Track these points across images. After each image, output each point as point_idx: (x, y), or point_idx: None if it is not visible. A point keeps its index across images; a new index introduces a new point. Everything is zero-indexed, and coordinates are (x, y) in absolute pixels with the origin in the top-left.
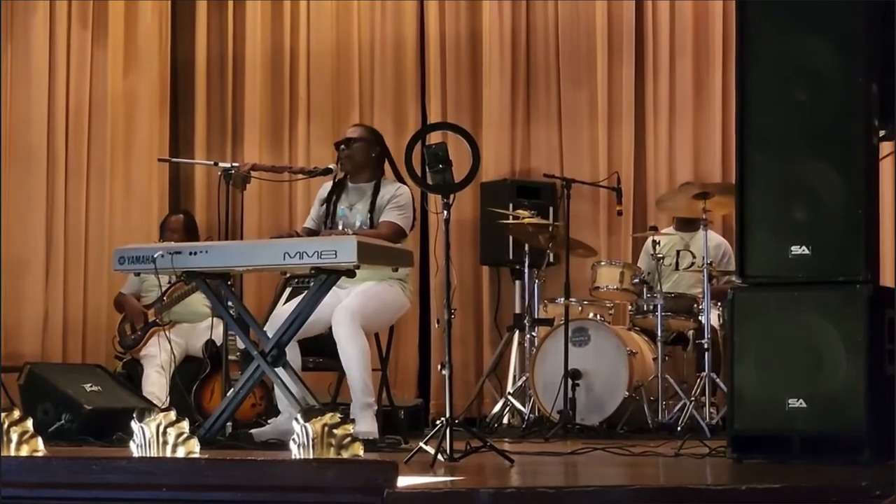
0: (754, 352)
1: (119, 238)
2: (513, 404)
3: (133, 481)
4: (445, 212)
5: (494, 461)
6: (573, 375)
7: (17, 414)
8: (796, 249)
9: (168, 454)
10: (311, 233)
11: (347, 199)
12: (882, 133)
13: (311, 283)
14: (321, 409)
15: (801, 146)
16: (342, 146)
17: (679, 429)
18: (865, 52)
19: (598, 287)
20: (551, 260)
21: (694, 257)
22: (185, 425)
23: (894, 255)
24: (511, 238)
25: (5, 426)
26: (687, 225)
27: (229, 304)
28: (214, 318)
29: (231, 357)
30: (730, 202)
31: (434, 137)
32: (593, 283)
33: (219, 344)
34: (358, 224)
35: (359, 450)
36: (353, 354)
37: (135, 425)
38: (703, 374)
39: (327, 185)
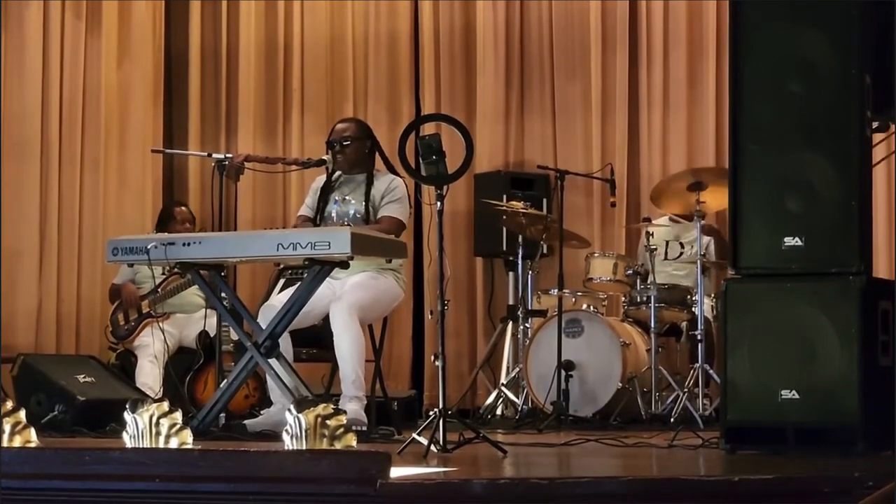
0: (748, 343)
1: (112, 229)
2: (506, 395)
3: (126, 472)
4: (439, 203)
5: (488, 452)
6: (566, 367)
7: (10, 405)
8: (790, 241)
9: (161, 445)
10: (310, 221)
11: (341, 192)
12: (875, 125)
13: (305, 275)
14: (314, 400)
15: (795, 137)
16: (335, 146)
17: (672, 420)
18: (859, 43)
19: (591, 278)
20: (545, 251)
21: (682, 248)
22: (178, 416)
23: (890, 245)
24: (505, 229)
25: None
26: (679, 215)
27: (223, 295)
28: (208, 309)
29: (224, 348)
30: (724, 192)
31: (428, 129)
32: (587, 275)
33: (212, 335)
34: (352, 213)
35: (352, 441)
36: (348, 346)
37: (128, 416)
38: (697, 365)
39: (321, 178)
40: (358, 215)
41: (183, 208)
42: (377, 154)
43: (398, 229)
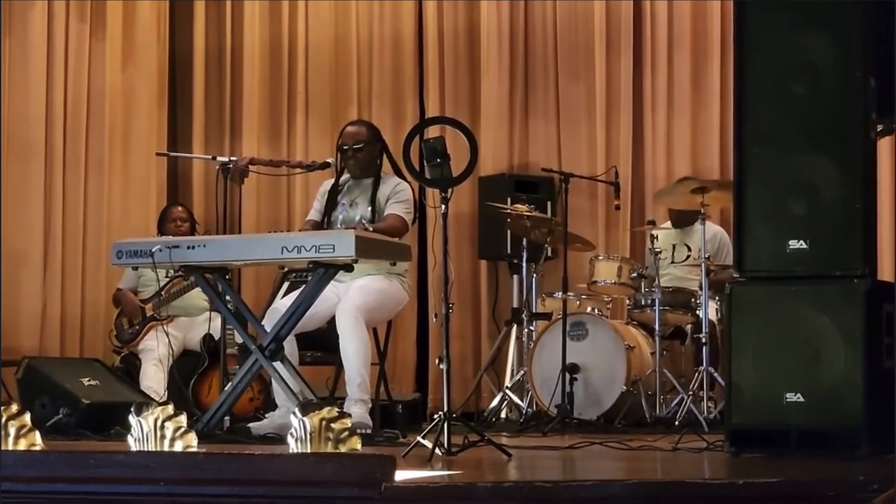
0: (752, 346)
1: (117, 232)
2: (511, 398)
3: (131, 475)
4: (443, 206)
5: (492, 455)
6: (571, 370)
7: (14, 408)
8: (794, 244)
9: (166, 448)
10: (317, 226)
11: (349, 195)
12: (880, 127)
13: (310, 278)
14: (319, 403)
15: (800, 140)
16: (347, 150)
17: (677, 423)
18: (863, 45)
19: (595, 281)
20: (549, 254)
21: (689, 250)
22: (182, 419)
23: (893, 248)
24: (509, 232)
25: (3, 420)
26: (682, 220)
27: (227, 298)
28: (212, 312)
29: (229, 351)
30: (727, 197)
31: (432, 132)
32: (591, 278)
33: (216, 338)
34: (358, 218)
35: (356, 444)
36: (354, 349)
37: (133, 419)
38: (701, 368)
39: (329, 182)
40: (364, 220)
41: (178, 208)
42: (385, 157)
43: (402, 227)
